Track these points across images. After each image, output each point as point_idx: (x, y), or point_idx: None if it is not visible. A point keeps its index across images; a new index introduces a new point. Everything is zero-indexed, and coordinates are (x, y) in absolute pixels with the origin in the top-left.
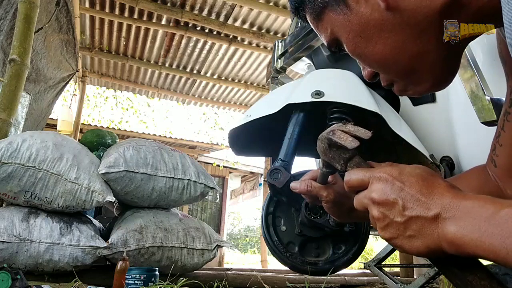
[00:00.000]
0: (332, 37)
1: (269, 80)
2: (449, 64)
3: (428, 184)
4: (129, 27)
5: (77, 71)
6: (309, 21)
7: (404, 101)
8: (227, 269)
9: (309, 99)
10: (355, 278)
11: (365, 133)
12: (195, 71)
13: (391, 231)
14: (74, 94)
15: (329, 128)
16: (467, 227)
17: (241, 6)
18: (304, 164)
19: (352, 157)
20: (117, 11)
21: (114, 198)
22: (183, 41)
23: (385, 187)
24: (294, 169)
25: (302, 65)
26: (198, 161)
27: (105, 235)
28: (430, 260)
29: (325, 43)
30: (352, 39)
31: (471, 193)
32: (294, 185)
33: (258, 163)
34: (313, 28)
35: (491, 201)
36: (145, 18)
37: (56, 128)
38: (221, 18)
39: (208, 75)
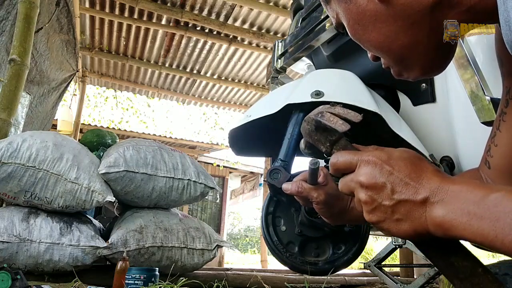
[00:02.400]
0: (338, 21)
1: (269, 80)
2: (440, 54)
3: (416, 169)
4: (129, 27)
5: (77, 71)
6: (321, 2)
7: (404, 101)
8: (227, 269)
9: (308, 99)
10: (355, 278)
11: (355, 116)
12: (195, 71)
13: (379, 215)
14: (74, 94)
15: (316, 110)
16: (455, 211)
17: (241, 6)
18: (304, 164)
19: (338, 139)
20: (117, 11)
21: (114, 198)
22: (183, 41)
23: (373, 171)
24: (294, 169)
25: (302, 65)
26: (198, 161)
27: (105, 235)
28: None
29: (333, 24)
30: (352, 26)
31: (459, 178)
32: (285, 186)
33: (258, 163)
34: (324, 9)
35: (480, 186)
36: (145, 18)
37: (56, 128)
38: (221, 18)
39: (208, 75)
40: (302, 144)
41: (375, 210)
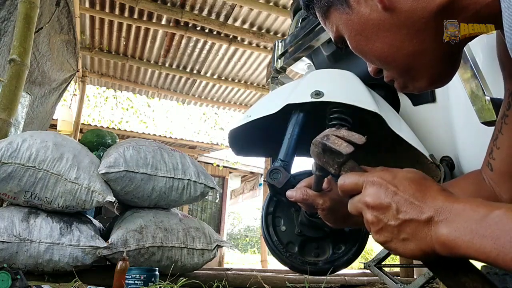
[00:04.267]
0: (338, 34)
1: (269, 80)
2: (447, 63)
3: (421, 188)
4: (129, 27)
5: (77, 71)
6: (318, 18)
7: (404, 101)
8: (227, 269)
9: (308, 99)
10: (355, 278)
11: (359, 139)
12: (195, 71)
13: (385, 235)
14: (74, 94)
15: (322, 133)
16: (459, 229)
17: (241, 6)
18: (304, 164)
19: (346, 161)
20: (117, 11)
21: (114, 198)
22: (183, 41)
23: (379, 191)
24: (294, 169)
25: (302, 65)
26: (198, 161)
27: (105, 235)
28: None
29: (333, 39)
30: (354, 37)
31: (463, 196)
32: (289, 193)
33: (258, 163)
34: (322, 25)
35: (482, 204)
36: (145, 18)
37: (56, 128)
38: (221, 18)
39: (208, 75)
40: (313, 166)
41: (382, 230)
